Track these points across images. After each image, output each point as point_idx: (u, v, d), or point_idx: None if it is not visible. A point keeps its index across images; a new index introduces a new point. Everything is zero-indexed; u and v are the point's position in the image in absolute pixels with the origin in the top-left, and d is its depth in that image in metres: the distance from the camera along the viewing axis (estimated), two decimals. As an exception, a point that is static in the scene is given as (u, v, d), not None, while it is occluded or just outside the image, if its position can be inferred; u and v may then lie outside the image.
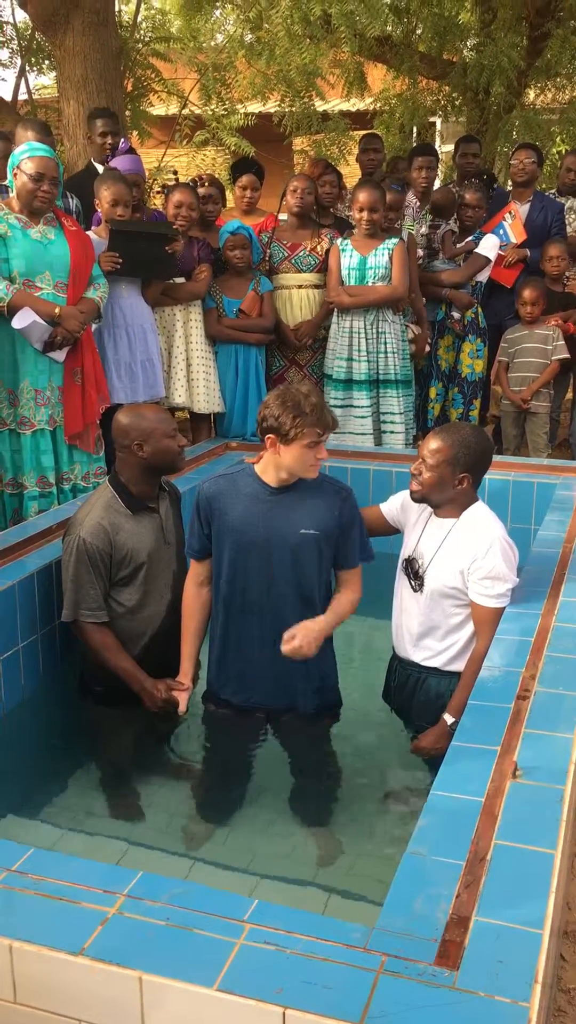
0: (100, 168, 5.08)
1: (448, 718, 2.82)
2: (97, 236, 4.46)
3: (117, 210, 4.43)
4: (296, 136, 8.69)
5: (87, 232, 4.37)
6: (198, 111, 8.64)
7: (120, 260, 4.39)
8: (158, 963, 1.48)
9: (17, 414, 4.00)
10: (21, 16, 8.09)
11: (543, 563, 3.21)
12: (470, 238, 5.58)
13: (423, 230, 5.82)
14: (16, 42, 8.59)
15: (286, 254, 5.23)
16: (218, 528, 2.91)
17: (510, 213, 5.95)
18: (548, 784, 1.93)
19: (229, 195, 6.13)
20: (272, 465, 2.83)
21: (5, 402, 3.99)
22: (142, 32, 8.74)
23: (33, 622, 3.19)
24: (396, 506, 3.19)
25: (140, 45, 8.20)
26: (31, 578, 3.17)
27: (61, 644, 3.32)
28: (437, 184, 6.62)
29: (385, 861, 2.38)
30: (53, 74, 8.15)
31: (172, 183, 5.93)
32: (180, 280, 4.89)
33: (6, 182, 4.17)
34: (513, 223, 5.92)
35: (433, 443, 2.90)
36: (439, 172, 6.97)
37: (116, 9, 7.20)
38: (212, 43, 9.06)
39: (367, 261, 5.06)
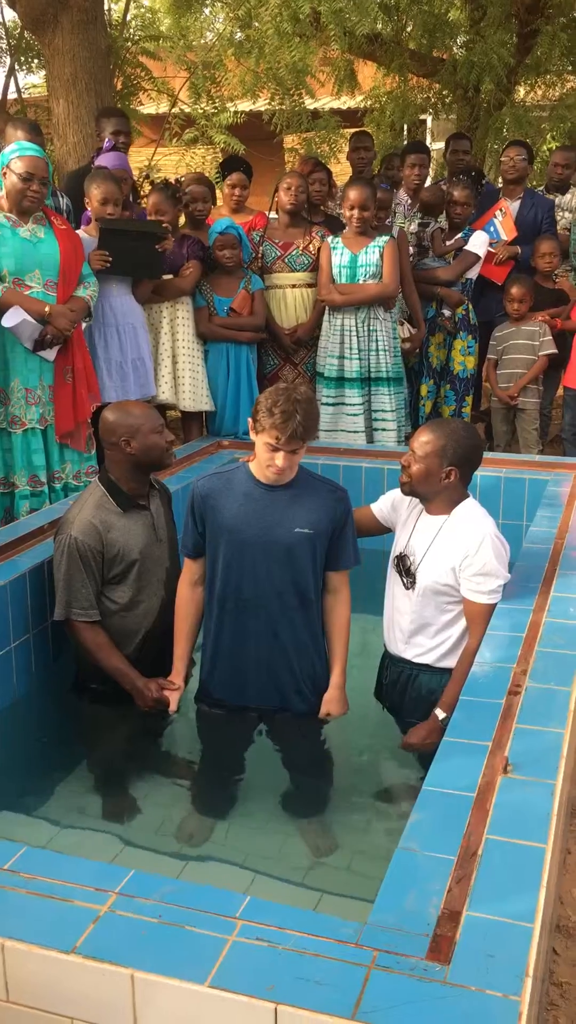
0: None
1: (439, 713, 2.82)
2: (87, 235, 4.45)
3: (107, 208, 4.43)
4: (286, 134, 8.67)
5: (77, 231, 4.37)
6: (188, 109, 8.62)
7: (110, 259, 4.38)
8: (150, 960, 1.48)
9: (8, 413, 3.99)
10: (10, 15, 8.07)
11: (534, 559, 3.22)
12: (459, 235, 5.59)
13: (412, 228, 5.83)
14: (5, 41, 8.56)
15: (279, 253, 5.23)
16: (212, 526, 2.91)
17: (500, 210, 5.96)
18: (539, 779, 1.94)
19: (219, 193, 6.12)
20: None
21: (-4, 401, 3.99)
22: (131, 31, 8.72)
23: (26, 621, 3.19)
24: (387, 505, 3.20)
25: (129, 44, 8.17)
26: (23, 577, 3.17)
27: (54, 643, 3.32)
28: (428, 182, 6.62)
29: (377, 857, 2.38)
30: (42, 73, 8.13)
31: (152, 183, 5.90)
32: (168, 277, 4.89)
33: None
34: (504, 220, 5.93)
35: (423, 436, 2.93)
36: (430, 170, 6.97)
37: (105, 8, 7.17)
38: (201, 41, 9.04)
39: (358, 259, 5.06)
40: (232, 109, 8.44)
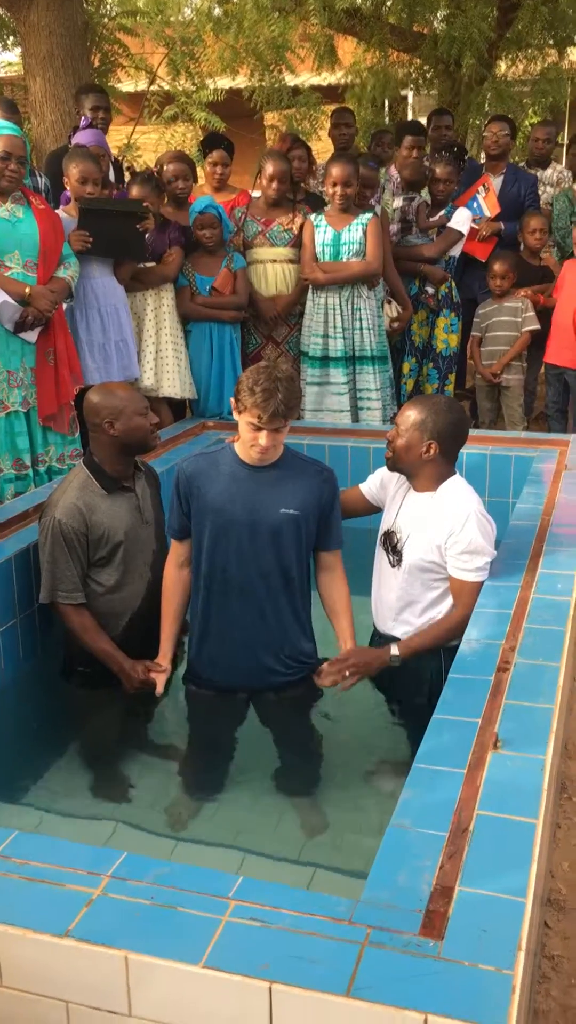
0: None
1: (393, 650, 2.87)
2: (67, 215, 4.40)
3: (86, 188, 4.37)
4: (267, 111, 8.59)
5: (56, 211, 4.31)
6: (167, 87, 8.52)
7: (91, 239, 4.33)
8: (144, 943, 1.48)
9: (-10, 396, 3.96)
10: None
11: (521, 536, 3.22)
12: (442, 212, 5.55)
13: (397, 203, 5.78)
14: (-20, 18, 8.42)
15: (260, 228, 5.18)
16: (197, 507, 2.90)
17: (484, 186, 5.93)
18: (529, 755, 1.94)
19: (200, 172, 6.06)
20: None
21: (-23, 385, 3.95)
22: (108, 6, 8.59)
23: (12, 606, 3.17)
24: (376, 483, 3.20)
25: (106, 20, 8.06)
26: (9, 562, 3.15)
27: (42, 627, 3.31)
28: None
29: (369, 834, 2.39)
30: (18, 51, 8.00)
31: (131, 171, 5.83)
32: (151, 264, 4.84)
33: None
34: (487, 196, 5.90)
35: (406, 411, 2.96)
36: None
37: (81, -17, 7.06)
38: (180, 17, 8.92)
39: (341, 237, 5.03)
40: (212, 86, 8.35)
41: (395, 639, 3.02)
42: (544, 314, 5.65)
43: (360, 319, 5.09)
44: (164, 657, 3.05)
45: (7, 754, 2.96)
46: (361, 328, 5.10)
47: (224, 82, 9.09)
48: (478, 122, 8.44)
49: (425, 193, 5.72)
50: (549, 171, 6.47)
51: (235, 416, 2.82)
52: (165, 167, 5.14)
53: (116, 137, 8.32)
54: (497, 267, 5.60)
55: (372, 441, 4.47)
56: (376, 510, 3.22)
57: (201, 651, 3.02)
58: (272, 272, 5.20)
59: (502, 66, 8.85)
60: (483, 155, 6.65)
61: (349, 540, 3.11)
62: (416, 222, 5.66)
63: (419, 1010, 1.33)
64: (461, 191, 5.84)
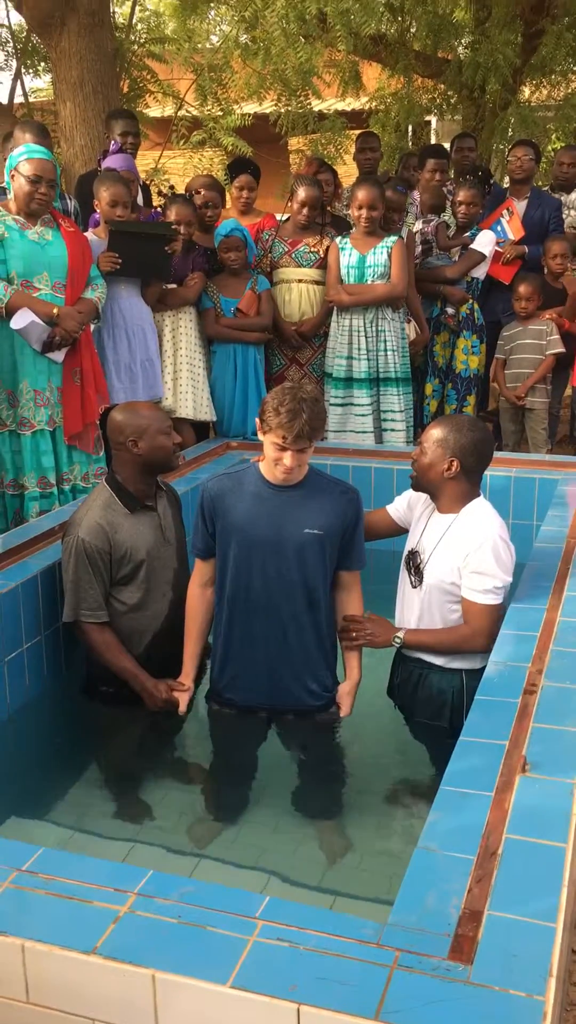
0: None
1: (400, 634, 2.96)
2: (96, 237, 4.45)
3: (116, 211, 4.43)
4: (292, 136, 8.67)
5: (85, 233, 4.37)
6: (194, 112, 8.63)
7: (119, 260, 4.38)
8: (171, 961, 1.47)
9: (17, 415, 3.99)
10: (16, 18, 8.10)
11: (547, 559, 3.21)
12: (466, 235, 5.57)
13: (419, 226, 5.82)
14: (12, 44, 8.59)
15: (287, 249, 5.22)
16: (222, 526, 2.90)
17: (508, 210, 5.95)
18: (557, 778, 1.93)
19: (227, 196, 6.13)
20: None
21: (5, 403, 3.99)
22: (137, 33, 8.73)
23: (37, 623, 3.18)
24: (403, 504, 3.21)
25: (135, 46, 8.19)
26: (34, 579, 3.17)
27: (65, 645, 3.32)
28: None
29: (393, 857, 2.38)
30: (49, 76, 8.14)
31: (169, 193, 5.89)
32: (172, 286, 4.89)
33: (3, 184, 4.17)
34: (511, 220, 5.92)
35: (431, 429, 2.98)
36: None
37: (111, 11, 7.19)
38: (207, 44, 9.05)
39: (366, 259, 5.06)
40: (238, 111, 8.44)
41: (417, 660, 3.01)
42: (568, 336, 5.65)
43: (384, 341, 5.11)
44: (187, 676, 3.05)
45: (32, 771, 2.97)
46: (385, 350, 5.11)
47: (250, 107, 9.18)
48: (502, 147, 8.48)
49: (447, 215, 5.75)
50: (573, 195, 6.48)
51: (260, 436, 2.83)
52: (197, 192, 5.20)
53: (143, 161, 8.42)
54: (523, 289, 5.61)
55: (396, 463, 4.47)
56: (402, 531, 3.22)
57: (224, 670, 3.02)
58: (297, 292, 5.23)
59: (526, 91, 8.90)
60: (507, 180, 6.67)
61: (372, 562, 3.11)
62: (436, 242, 5.68)
63: (449, 1035, 1.32)
64: (485, 215, 5.86)
